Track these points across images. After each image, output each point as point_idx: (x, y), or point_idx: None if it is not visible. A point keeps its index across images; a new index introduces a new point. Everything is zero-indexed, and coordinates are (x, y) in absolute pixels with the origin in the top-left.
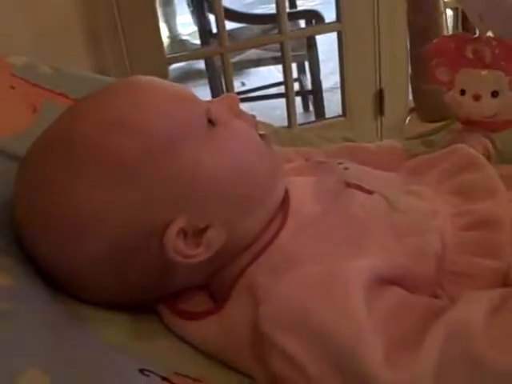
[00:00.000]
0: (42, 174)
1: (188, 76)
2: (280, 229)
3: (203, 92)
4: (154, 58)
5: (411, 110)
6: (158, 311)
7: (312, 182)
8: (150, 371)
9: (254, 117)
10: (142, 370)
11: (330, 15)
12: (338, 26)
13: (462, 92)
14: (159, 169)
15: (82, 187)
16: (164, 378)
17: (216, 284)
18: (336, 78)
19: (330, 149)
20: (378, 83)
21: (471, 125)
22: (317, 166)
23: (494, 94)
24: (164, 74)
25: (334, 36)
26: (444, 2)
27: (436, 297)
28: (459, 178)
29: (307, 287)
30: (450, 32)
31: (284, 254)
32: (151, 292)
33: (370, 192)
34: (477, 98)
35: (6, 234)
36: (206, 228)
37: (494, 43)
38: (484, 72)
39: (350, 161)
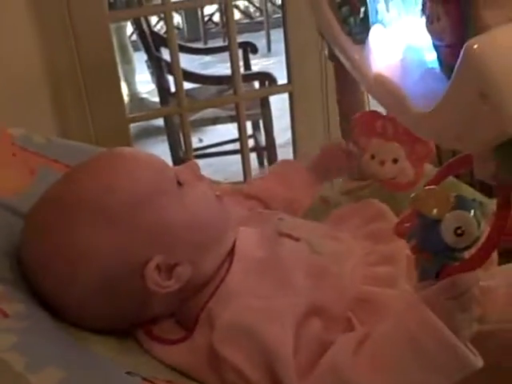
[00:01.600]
0: (46, 222)
1: (147, 133)
2: (228, 270)
3: (162, 148)
4: (116, 118)
5: None
6: (137, 337)
7: (253, 232)
8: (134, 374)
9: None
10: (128, 373)
11: (283, 74)
12: (290, 88)
13: (372, 157)
14: (140, 219)
15: (77, 233)
16: (144, 379)
17: (183, 314)
18: (289, 135)
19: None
20: (327, 139)
21: (381, 183)
22: (258, 215)
23: (395, 161)
24: (125, 133)
25: (286, 94)
26: None
27: (349, 319)
28: (370, 226)
29: (250, 313)
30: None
31: (231, 289)
32: (133, 317)
33: (297, 239)
34: (382, 163)
35: (16, 274)
36: (176, 265)
37: (395, 121)
38: (387, 143)
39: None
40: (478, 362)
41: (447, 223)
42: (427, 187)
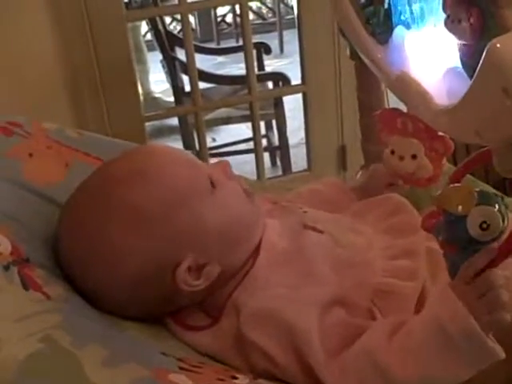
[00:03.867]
0: (83, 219)
1: (160, 132)
2: (254, 262)
3: (176, 147)
4: (132, 116)
5: (362, 167)
6: (166, 323)
7: (278, 225)
8: (168, 355)
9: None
10: (162, 353)
11: (296, 75)
12: (303, 88)
13: (392, 152)
14: (173, 220)
15: (113, 231)
16: (178, 359)
17: (209, 304)
18: (302, 135)
19: (291, 196)
20: (340, 140)
21: (402, 179)
22: (282, 208)
23: (414, 157)
24: (141, 131)
25: (299, 95)
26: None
27: (370, 310)
28: (390, 220)
29: (276, 300)
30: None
31: (257, 280)
32: (162, 309)
33: (321, 232)
34: (401, 158)
35: (53, 262)
36: (205, 264)
37: (415, 118)
38: (407, 139)
39: (308, 205)
40: (501, 353)
41: (472, 218)
42: (451, 185)
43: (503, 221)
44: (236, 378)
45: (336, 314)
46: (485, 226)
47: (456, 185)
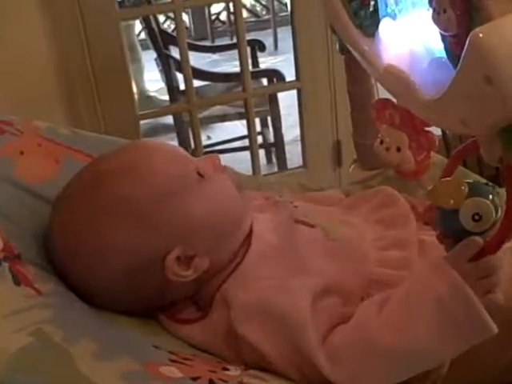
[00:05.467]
0: (73, 214)
1: (155, 131)
2: (245, 255)
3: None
4: (126, 115)
5: (354, 161)
6: (158, 318)
7: (270, 219)
8: (160, 348)
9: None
10: (154, 346)
11: (290, 72)
12: (298, 84)
13: (381, 142)
14: (162, 212)
15: (104, 225)
16: (170, 352)
17: (200, 297)
18: (297, 131)
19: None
20: (335, 135)
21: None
22: (274, 204)
23: (398, 150)
24: (135, 130)
25: (294, 92)
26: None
27: (364, 300)
28: (381, 211)
29: (266, 291)
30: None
31: (248, 273)
32: (153, 302)
33: (312, 226)
34: (387, 149)
35: (44, 259)
36: (194, 256)
37: (402, 111)
38: (394, 131)
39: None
40: (495, 328)
41: (464, 211)
42: (441, 179)
43: (496, 211)
44: (227, 370)
45: (328, 303)
46: (477, 217)
47: (446, 179)
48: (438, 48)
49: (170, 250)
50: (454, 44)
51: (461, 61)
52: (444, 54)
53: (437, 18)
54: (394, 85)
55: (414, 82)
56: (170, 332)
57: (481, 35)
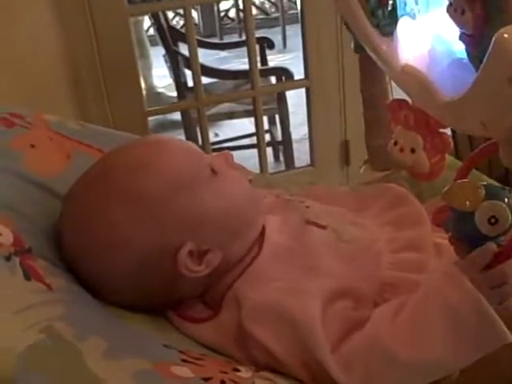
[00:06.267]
0: (84, 209)
1: (163, 127)
2: (257, 255)
3: None
4: (135, 111)
5: (365, 162)
6: (168, 315)
7: (281, 220)
8: (170, 347)
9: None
10: (165, 346)
11: (299, 70)
12: (306, 83)
13: (395, 143)
14: (175, 206)
15: (116, 219)
16: (180, 351)
17: (210, 295)
18: (305, 130)
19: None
20: (343, 135)
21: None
22: (285, 203)
23: (412, 151)
24: (144, 126)
25: (302, 90)
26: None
27: (376, 304)
28: (392, 212)
29: (278, 293)
30: None
31: (260, 273)
32: (164, 298)
33: (323, 227)
34: (401, 150)
35: (55, 254)
36: (207, 251)
37: (418, 112)
38: (408, 132)
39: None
40: (510, 336)
41: (481, 214)
42: (458, 181)
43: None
44: (238, 371)
45: (340, 306)
46: (493, 220)
47: (463, 180)
48: (459, 49)
49: (183, 244)
50: (475, 44)
51: (484, 61)
52: (465, 55)
53: (455, 16)
54: (411, 85)
55: (432, 83)
56: (179, 331)
57: (506, 35)
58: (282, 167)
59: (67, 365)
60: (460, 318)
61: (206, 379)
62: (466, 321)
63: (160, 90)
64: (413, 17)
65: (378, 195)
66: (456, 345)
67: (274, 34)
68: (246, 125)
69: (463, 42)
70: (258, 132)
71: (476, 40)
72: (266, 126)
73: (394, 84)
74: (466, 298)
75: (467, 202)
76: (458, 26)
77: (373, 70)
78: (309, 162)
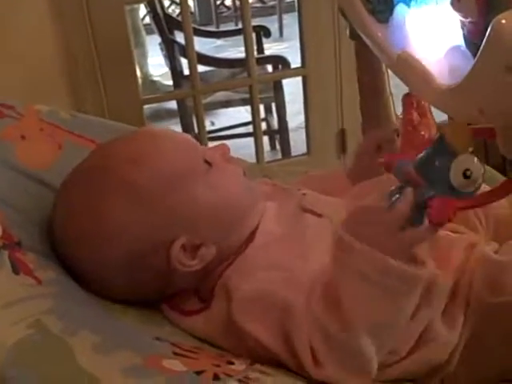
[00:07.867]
0: (78, 200)
1: (159, 116)
2: (248, 244)
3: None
4: (130, 99)
5: None
6: (161, 308)
7: (277, 207)
8: (163, 340)
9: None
10: (157, 338)
11: (295, 59)
12: (303, 71)
13: (398, 135)
14: (168, 199)
15: (109, 211)
16: (173, 344)
17: (203, 287)
18: (301, 119)
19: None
20: (340, 123)
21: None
22: (281, 190)
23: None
24: (139, 114)
25: (299, 79)
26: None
27: None
28: None
29: (269, 284)
30: (393, 89)
31: (251, 262)
32: (156, 292)
33: (319, 215)
34: None
35: (45, 246)
36: (201, 245)
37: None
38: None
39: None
40: (423, 272)
41: (459, 163)
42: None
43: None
44: (232, 364)
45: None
46: (468, 173)
47: (463, 123)
48: (456, 36)
49: (176, 238)
50: (475, 31)
51: (481, 48)
52: (462, 42)
53: (455, 3)
54: (408, 73)
55: (428, 70)
56: (173, 323)
57: (503, 21)
58: (279, 156)
59: (57, 360)
60: (373, 281)
61: (199, 372)
62: (378, 281)
63: (156, 79)
64: (408, 3)
65: (376, 185)
66: (384, 305)
67: (271, 23)
68: (242, 113)
69: (463, 29)
70: (255, 120)
71: (477, 27)
72: (262, 115)
73: (390, 73)
74: (370, 261)
75: (460, 145)
76: (461, 15)
77: (369, 58)
78: (305, 151)
